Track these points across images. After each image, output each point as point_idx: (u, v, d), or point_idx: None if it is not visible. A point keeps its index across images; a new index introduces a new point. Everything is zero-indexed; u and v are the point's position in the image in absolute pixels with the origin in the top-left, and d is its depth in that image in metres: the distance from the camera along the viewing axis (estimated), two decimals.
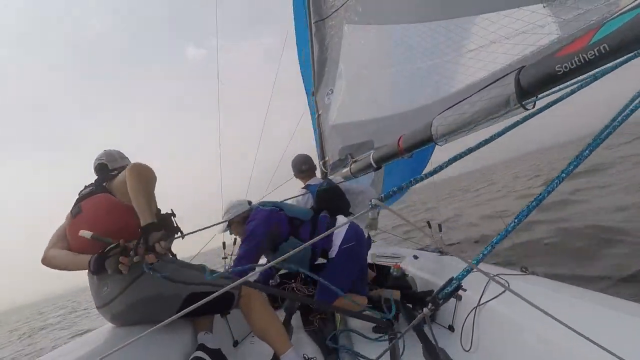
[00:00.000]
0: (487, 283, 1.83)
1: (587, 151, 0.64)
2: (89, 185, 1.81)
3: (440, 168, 0.90)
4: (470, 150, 0.89)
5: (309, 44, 3.97)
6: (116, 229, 1.56)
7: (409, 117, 2.40)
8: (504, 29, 1.45)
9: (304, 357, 1.94)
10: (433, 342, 1.40)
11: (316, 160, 3.42)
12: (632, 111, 0.74)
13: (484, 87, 1.31)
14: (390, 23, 2.80)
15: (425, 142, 1.68)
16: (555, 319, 0.82)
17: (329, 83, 3.75)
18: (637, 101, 0.76)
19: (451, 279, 1.09)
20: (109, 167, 1.91)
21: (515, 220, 0.76)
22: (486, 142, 0.87)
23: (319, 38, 3.90)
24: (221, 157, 3.47)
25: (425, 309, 0.99)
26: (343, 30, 3.61)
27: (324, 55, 3.86)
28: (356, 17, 3.42)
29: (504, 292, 1.71)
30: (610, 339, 1.05)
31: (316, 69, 3.92)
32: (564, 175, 0.65)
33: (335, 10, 3.71)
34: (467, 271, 0.94)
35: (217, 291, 1.65)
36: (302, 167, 3.07)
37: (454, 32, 1.89)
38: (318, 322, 2.57)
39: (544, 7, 1.25)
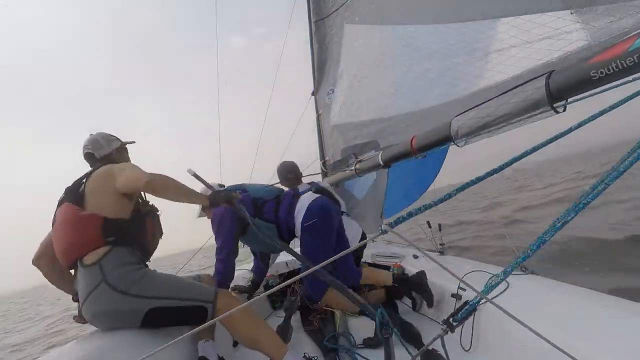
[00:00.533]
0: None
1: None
2: (65, 190, 1.66)
3: (449, 196, 0.91)
4: (479, 179, 0.91)
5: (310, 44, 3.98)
6: (82, 242, 1.50)
7: (416, 118, 2.42)
8: (526, 33, 1.48)
9: (305, 356, 1.92)
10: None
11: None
12: None
13: (510, 90, 1.33)
14: (393, 24, 2.82)
15: (442, 142, 1.69)
16: (532, 330, 0.83)
17: (329, 82, 3.75)
18: None
19: (465, 303, 1.09)
20: (95, 156, 1.78)
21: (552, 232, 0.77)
22: (500, 168, 0.89)
23: (319, 37, 3.89)
24: (221, 157, 3.40)
25: (440, 330, 0.99)
26: (343, 29, 3.62)
27: (324, 54, 3.85)
28: (356, 17, 3.44)
29: (504, 291, 1.75)
30: (608, 339, 1.09)
31: (316, 68, 3.92)
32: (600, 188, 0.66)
33: (336, 10, 3.71)
34: (479, 299, 0.94)
35: (182, 305, 1.53)
36: (288, 175, 3.03)
37: (466, 34, 1.92)
38: (318, 322, 2.56)
39: (571, 13, 1.28)
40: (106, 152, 1.79)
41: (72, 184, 1.65)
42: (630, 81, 0.96)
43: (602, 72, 1.02)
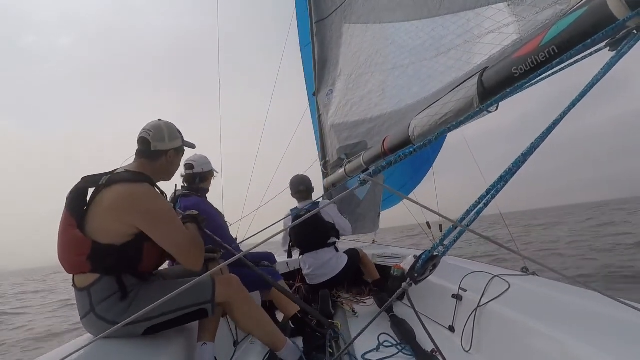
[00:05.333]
0: (487, 284, 1.82)
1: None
2: (72, 192, 1.39)
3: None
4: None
5: (310, 44, 4.00)
6: (71, 263, 1.36)
7: (397, 118, 2.39)
8: (477, 28, 1.42)
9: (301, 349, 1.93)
10: (418, 317, 1.31)
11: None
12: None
13: (453, 89, 1.30)
14: (382, 22, 2.79)
15: (405, 144, 1.66)
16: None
17: (329, 83, 3.75)
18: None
19: (424, 252, 1.07)
20: (150, 147, 1.49)
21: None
22: None
23: (319, 38, 3.90)
24: (222, 162, 3.52)
25: (404, 284, 0.99)
26: (342, 29, 3.61)
27: (325, 55, 3.86)
28: (353, 16, 3.42)
29: (504, 292, 1.70)
30: (608, 340, 1.04)
31: (317, 69, 3.93)
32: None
33: (335, 10, 3.71)
34: (439, 243, 0.94)
35: (180, 315, 1.44)
36: (300, 187, 2.93)
37: (436, 30, 1.87)
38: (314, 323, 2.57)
39: (508, 5, 1.22)
40: (162, 148, 1.49)
41: (78, 191, 1.38)
42: (547, 77, 0.90)
43: (521, 69, 0.97)
